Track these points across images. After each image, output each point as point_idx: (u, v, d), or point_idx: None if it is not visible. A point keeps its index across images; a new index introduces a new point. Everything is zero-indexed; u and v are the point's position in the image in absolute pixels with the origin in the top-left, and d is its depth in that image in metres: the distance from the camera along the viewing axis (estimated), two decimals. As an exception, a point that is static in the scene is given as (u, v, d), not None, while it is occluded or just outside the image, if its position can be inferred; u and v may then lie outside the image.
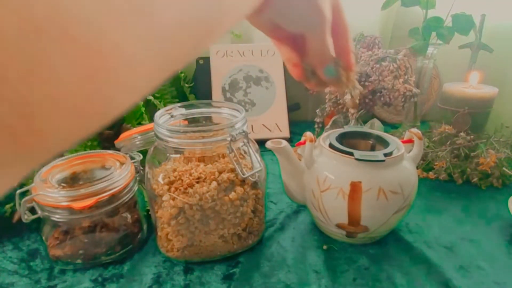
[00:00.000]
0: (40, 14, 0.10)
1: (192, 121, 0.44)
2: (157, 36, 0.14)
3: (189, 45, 0.18)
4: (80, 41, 0.11)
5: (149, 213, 0.42)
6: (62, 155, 0.45)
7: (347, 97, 0.66)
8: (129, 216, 0.42)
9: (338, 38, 0.33)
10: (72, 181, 0.40)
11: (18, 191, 0.39)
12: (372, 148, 0.47)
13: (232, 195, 0.37)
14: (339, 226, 0.41)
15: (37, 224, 0.41)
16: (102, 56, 0.12)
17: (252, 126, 0.79)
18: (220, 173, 0.38)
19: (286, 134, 0.80)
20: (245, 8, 0.22)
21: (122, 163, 0.42)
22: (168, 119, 0.41)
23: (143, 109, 0.60)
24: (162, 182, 0.37)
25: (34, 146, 0.12)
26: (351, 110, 0.66)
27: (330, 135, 0.45)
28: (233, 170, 0.38)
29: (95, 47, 0.12)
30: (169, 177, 0.37)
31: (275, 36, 0.33)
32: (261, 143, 0.45)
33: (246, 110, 0.80)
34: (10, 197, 0.52)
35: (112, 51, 0.12)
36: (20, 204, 0.38)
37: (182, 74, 0.79)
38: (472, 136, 0.61)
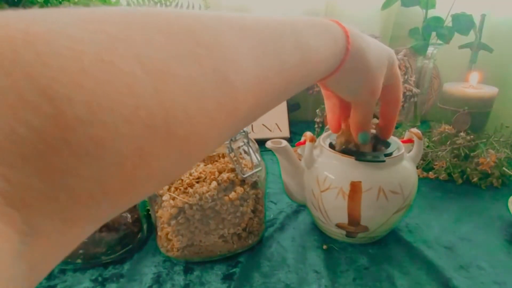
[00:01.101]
0: (158, 116, 0.12)
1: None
2: (236, 125, 0.18)
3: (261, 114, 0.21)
4: (177, 135, 0.13)
5: (149, 212, 0.42)
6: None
7: None
8: (129, 215, 0.42)
9: (388, 110, 0.36)
10: (72, 181, 0.40)
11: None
12: (373, 148, 0.46)
13: (232, 195, 0.37)
14: (339, 226, 0.41)
15: (37, 224, 0.41)
16: (190, 146, 0.15)
17: (252, 126, 0.79)
18: (220, 173, 0.38)
19: (286, 134, 0.80)
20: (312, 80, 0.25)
21: (122, 163, 0.42)
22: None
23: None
24: (162, 182, 0.37)
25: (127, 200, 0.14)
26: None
27: (331, 135, 0.45)
28: (233, 170, 0.38)
29: (187, 141, 0.14)
30: (169, 177, 0.37)
31: (327, 91, 0.36)
32: (261, 143, 0.45)
33: (246, 110, 0.80)
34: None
35: (199, 144, 0.15)
36: (20, 204, 0.37)
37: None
38: (472, 136, 0.61)
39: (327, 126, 0.75)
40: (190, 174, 0.37)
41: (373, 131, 0.47)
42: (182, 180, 0.37)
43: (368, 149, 0.40)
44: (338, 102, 0.37)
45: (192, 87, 0.14)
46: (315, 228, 0.47)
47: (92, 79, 0.10)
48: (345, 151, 0.40)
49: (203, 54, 0.14)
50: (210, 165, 0.39)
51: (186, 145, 0.14)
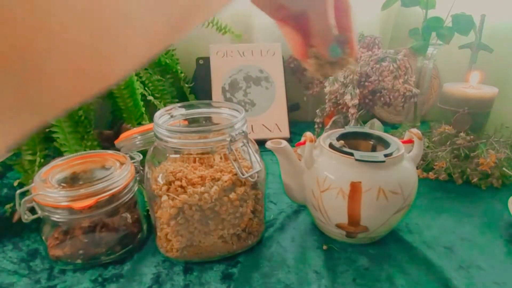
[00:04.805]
0: None
1: (192, 121, 0.44)
2: None
3: (189, 9, 0.17)
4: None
5: (149, 213, 0.42)
6: (62, 155, 0.45)
7: (347, 97, 0.66)
8: (129, 216, 0.42)
9: (340, 16, 0.33)
10: (72, 181, 0.40)
11: (18, 191, 0.39)
12: (373, 149, 0.47)
13: (232, 195, 0.37)
14: (339, 226, 0.41)
15: (37, 224, 0.41)
16: (99, 15, 0.12)
17: (252, 126, 0.79)
18: (219, 173, 0.38)
19: (286, 134, 0.80)
20: None
21: (122, 163, 0.42)
22: (168, 119, 0.41)
23: (143, 109, 0.60)
24: (161, 182, 0.37)
25: (40, 96, 0.12)
26: (351, 110, 0.66)
27: (331, 135, 0.45)
28: (232, 171, 0.38)
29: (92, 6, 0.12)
30: (168, 177, 0.37)
31: (278, 16, 0.33)
32: (261, 143, 0.45)
33: (246, 110, 0.80)
34: (10, 197, 0.52)
35: (108, 9, 0.12)
36: (20, 204, 0.38)
37: (182, 74, 0.79)
38: (472, 136, 0.61)
39: (327, 126, 0.75)
40: (190, 175, 0.37)
41: (375, 132, 0.47)
42: (181, 180, 0.37)
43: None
44: (293, 27, 0.35)
45: None
46: (315, 229, 0.47)
47: None
48: (345, 151, 0.40)
49: None
50: (211, 169, 0.39)
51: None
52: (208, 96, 0.80)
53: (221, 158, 0.40)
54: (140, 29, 0.15)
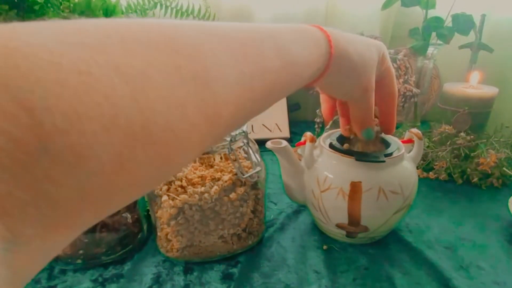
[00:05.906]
0: (137, 124, 0.12)
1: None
2: (216, 125, 0.17)
3: (246, 119, 0.21)
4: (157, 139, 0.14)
5: (149, 213, 0.42)
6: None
7: None
8: (129, 216, 0.42)
9: (384, 105, 0.36)
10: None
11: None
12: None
13: (232, 195, 0.37)
14: (339, 226, 0.41)
15: (37, 224, 0.41)
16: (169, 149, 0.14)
17: (252, 126, 0.79)
18: (219, 173, 0.38)
19: (286, 134, 0.80)
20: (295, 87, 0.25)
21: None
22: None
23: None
24: (162, 182, 0.37)
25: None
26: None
27: (331, 135, 0.45)
28: (232, 171, 0.38)
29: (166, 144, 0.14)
30: (169, 177, 0.37)
31: (324, 95, 0.38)
32: (261, 143, 0.45)
33: (246, 110, 0.80)
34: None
35: (178, 149, 0.15)
36: (20, 204, 0.37)
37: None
38: (472, 136, 0.61)
39: (328, 126, 0.75)
40: (190, 175, 0.37)
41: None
42: (181, 180, 0.37)
43: (379, 147, 0.41)
44: (336, 103, 0.38)
45: (172, 95, 0.14)
46: (315, 228, 0.47)
47: (70, 90, 0.10)
48: (346, 151, 0.40)
49: (182, 62, 0.15)
50: (211, 169, 0.39)
51: (166, 151, 0.14)
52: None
53: (221, 158, 0.40)
54: (195, 154, 0.17)
